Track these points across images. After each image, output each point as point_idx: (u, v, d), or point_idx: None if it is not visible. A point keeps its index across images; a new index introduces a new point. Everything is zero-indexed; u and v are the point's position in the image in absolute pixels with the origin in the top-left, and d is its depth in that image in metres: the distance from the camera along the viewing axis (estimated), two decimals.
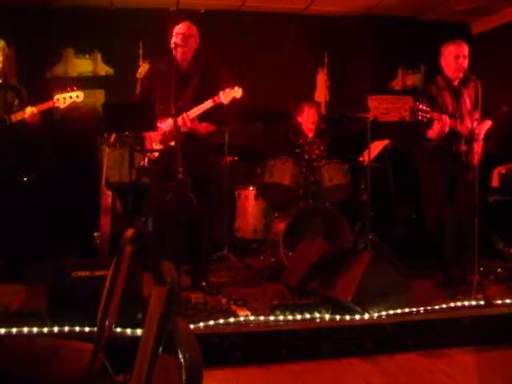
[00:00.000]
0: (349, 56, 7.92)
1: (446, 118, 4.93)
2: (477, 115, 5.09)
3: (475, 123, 5.07)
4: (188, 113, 4.76)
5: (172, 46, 4.93)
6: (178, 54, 4.92)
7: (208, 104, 4.81)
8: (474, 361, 4.13)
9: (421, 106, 4.83)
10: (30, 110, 5.03)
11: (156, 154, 4.93)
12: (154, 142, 4.97)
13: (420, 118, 4.83)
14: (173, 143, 4.68)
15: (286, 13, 7.71)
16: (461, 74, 5.20)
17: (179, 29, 4.93)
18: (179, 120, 4.68)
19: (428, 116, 4.84)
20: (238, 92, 4.87)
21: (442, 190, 5.27)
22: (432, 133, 5.07)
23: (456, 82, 5.27)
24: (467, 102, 5.20)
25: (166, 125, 4.86)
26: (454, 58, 5.18)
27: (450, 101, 5.20)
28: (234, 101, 4.86)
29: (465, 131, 5.08)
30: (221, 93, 4.80)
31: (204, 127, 4.94)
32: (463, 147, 5.10)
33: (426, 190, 5.48)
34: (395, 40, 7.84)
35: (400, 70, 8.29)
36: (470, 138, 5.04)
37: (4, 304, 4.33)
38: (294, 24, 7.72)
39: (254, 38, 7.53)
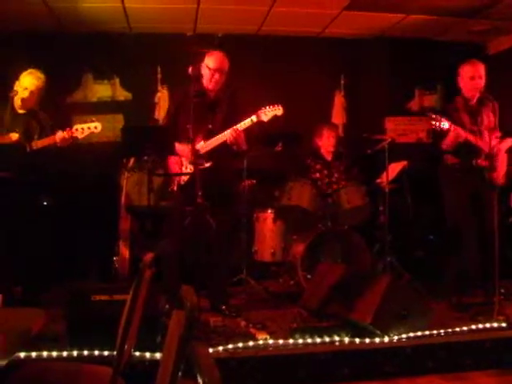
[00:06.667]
0: (365, 78, 7.94)
1: (459, 129, 4.96)
2: (497, 133, 5.11)
3: (495, 140, 5.08)
4: (236, 126, 4.81)
5: (204, 75, 4.97)
6: (211, 84, 4.97)
7: (251, 120, 4.86)
8: None
9: (434, 116, 4.88)
10: (61, 135, 5.03)
11: (185, 178, 4.92)
12: (183, 166, 4.97)
13: (435, 125, 4.87)
14: (208, 164, 4.73)
15: (302, 36, 7.75)
16: (477, 94, 5.23)
17: (215, 63, 4.95)
18: (222, 137, 4.81)
19: (442, 125, 4.88)
20: (279, 110, 4.92)
21: (465, 210, 5.25)
22: (446, 143, 5.09)
23: (473, 102, 5.28)
24: (485, 120, 5.20)
25: (200, 145, 4.88)
26: (470, 78, 5.21)
27: (467, 119, 5.22)
28: (273, 119, 4.93)
29: (485, 147, 5.05)
30: (261, 111, 4.85)
31: (244, 143, 4.98)
32: (483, 162, 5.09)
33: (450, 210, 5.45)
34: (411, 61, 7.85)
35: (417, 90, 8.29)
36: (491, 154, 5.02)
37: (25, 328, 4.34)
38: (310, 47, 7.76)
39: (270, 61, 7.56)
